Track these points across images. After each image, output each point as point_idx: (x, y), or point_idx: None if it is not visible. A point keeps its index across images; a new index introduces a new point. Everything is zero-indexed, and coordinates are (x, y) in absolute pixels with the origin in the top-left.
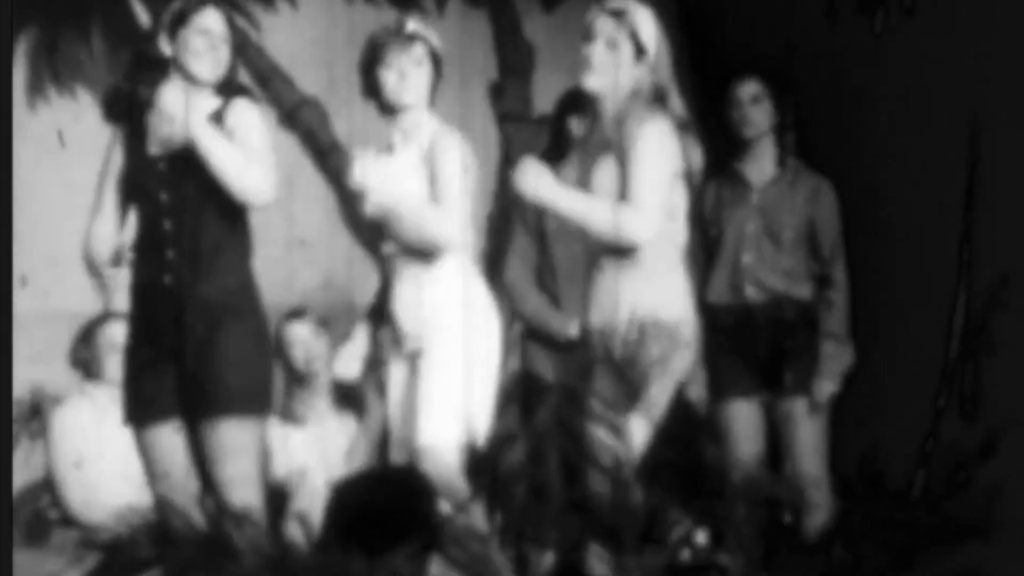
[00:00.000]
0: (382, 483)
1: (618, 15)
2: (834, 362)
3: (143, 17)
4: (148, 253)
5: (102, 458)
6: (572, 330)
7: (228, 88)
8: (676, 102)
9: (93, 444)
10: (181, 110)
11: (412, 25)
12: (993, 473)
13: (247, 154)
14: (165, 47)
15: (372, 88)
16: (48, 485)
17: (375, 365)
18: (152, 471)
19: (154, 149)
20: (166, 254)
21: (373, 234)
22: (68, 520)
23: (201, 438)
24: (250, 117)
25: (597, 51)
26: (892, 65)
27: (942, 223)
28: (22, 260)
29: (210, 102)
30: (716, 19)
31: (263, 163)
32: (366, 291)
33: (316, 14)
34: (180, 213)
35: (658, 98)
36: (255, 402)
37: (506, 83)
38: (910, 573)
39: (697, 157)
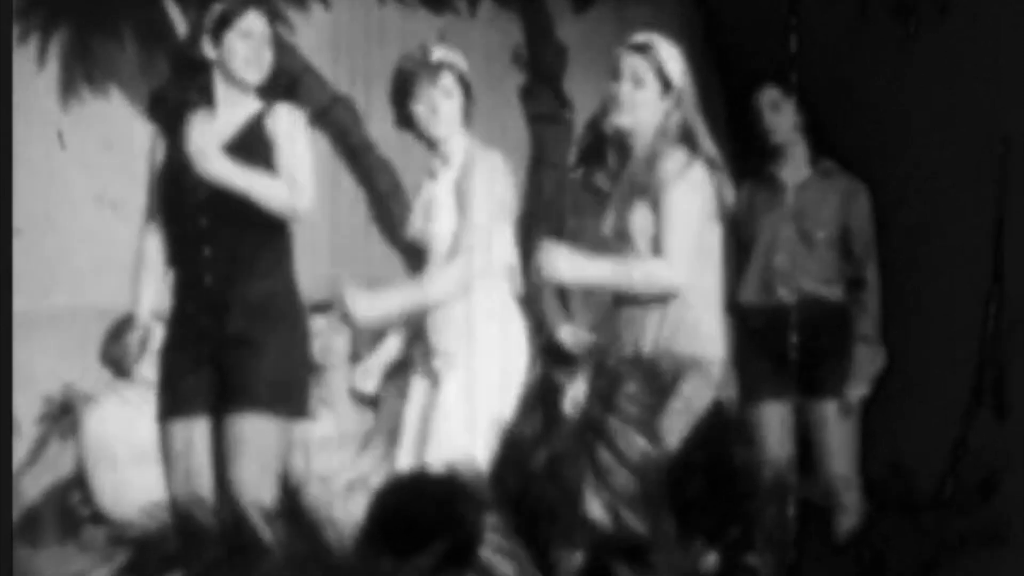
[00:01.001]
0: (423, 488)
1: (643, 50)
2: (866, 365)
3: (176, 17)
4: (186, 252)
5: (133, 456)
6: (570, 338)
7: (270, 90)
8: (706, 141)
9: (124, 442)
10: (198, 150)
11: (438, 53)
12: (1019, 482)
13: (287, 164)
14: (208, 51)
15: (405, 120)
16: (78, 482)
17: (400, 371)
18: (178, 468)
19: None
20: (203, 252)
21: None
22: (98, 517)
23: (225, 434)
24: (291, 125)
25: (624, 88)
26: (924, 67)
27: (974, 226)
28: (56, 257)
29: (251, 105)
30: (744, 24)
31: (301, 174)
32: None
33: (349, 14)
34: (219, 212)
35: (686, 136)
36: (287, 403)
37: (537, 85)
38: None
39: (730, 195)
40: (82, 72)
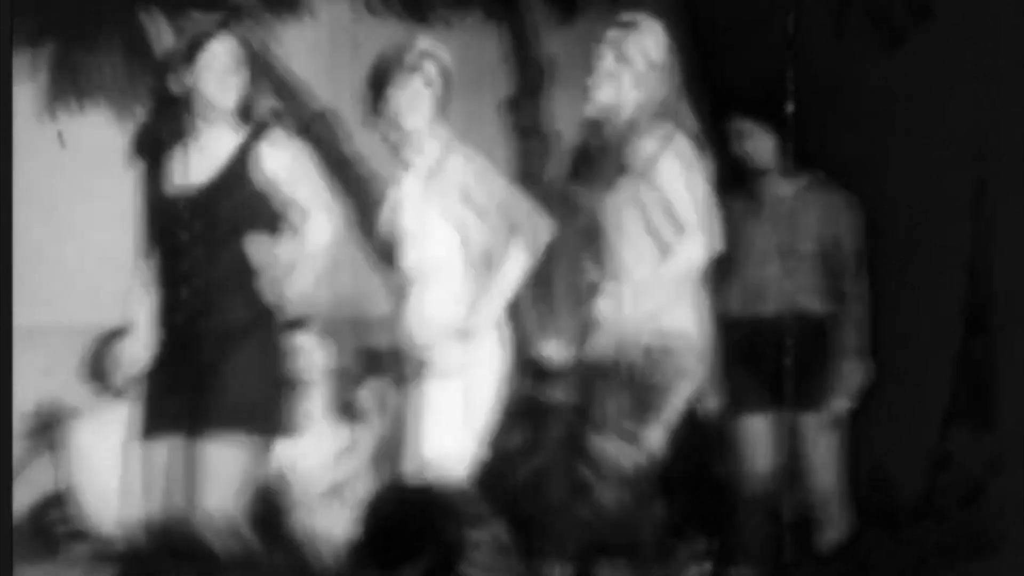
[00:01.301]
0: (402, 499)
1: (627, 26)
2: (850, 378)
3: (156, 34)
4: (166, 289)
5: (117, 472)
6: (554, 354)
7: (249, 114)
8: (689, 118)
9: (107, 457)
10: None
11: (423, 43)
12: (1002, 489)
13: (306, 198)
14: (181, 81)
15: (377, 107)
16: (62, 498)
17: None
18: (154, 486)
19: (170, 189)
20: (180, 293)
21: (387, 250)
22: (81, 534)
23: (196, 455)
24: (287, 158)
25: (606, 64)
26: (902, 77)
27: (955, 237)
28: (34, 273)
29: (231, 136)
30: (724, 33)
31: (318, 205)
32: (375, 304)
33: (334, 26)
34: (197, 252)
35: (666, 111)
36: (261, 421)
37: (520, 97)
38: None
39: (708, 169)
40: (69, 85)
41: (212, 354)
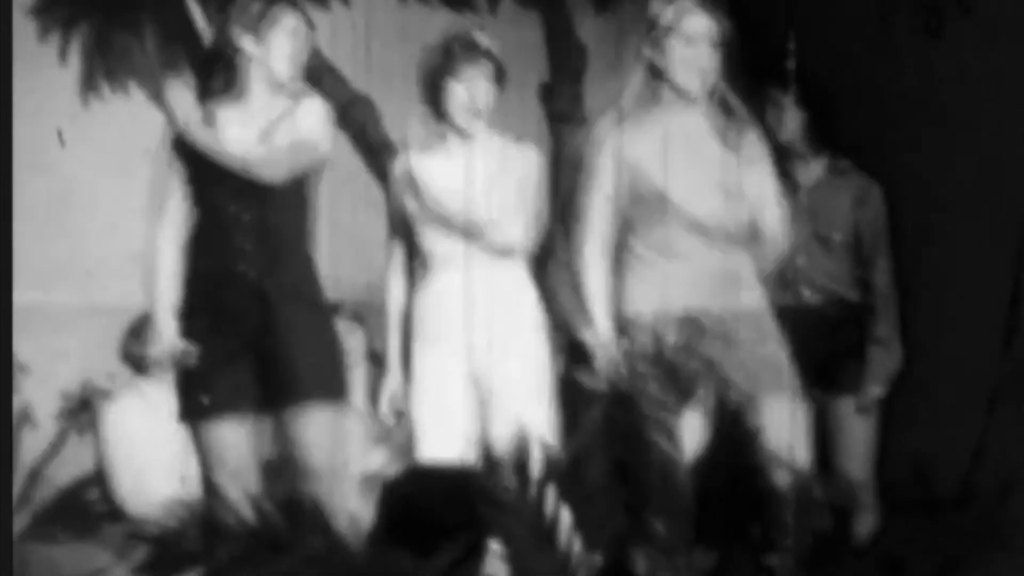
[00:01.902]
0: (432, 480)
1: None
2: (881, 366)
3: (197, 14)
4: (216, 241)
5: (152, 453)
6: (592, 339)
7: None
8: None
9: (144, 439)
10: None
11: (485, 41)
12: None
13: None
14: (248, 45)
15: (435, 96)
16: (97, 478)
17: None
18: (217, 467)
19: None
20: (235, 241)
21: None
22: (116, 514)
23: (285, 429)
24: (316, 121)
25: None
26: (947, 66)
27: (998, 225)
28: (76, 256)
29: (281, 103)
30: (766, 21)
31: (291, 148)
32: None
33: (369, 13)
34: (248, 199)
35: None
36: (337, 390)
37: (557, 84)
38: None
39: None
40: (102, 68)
41: (279, 317)
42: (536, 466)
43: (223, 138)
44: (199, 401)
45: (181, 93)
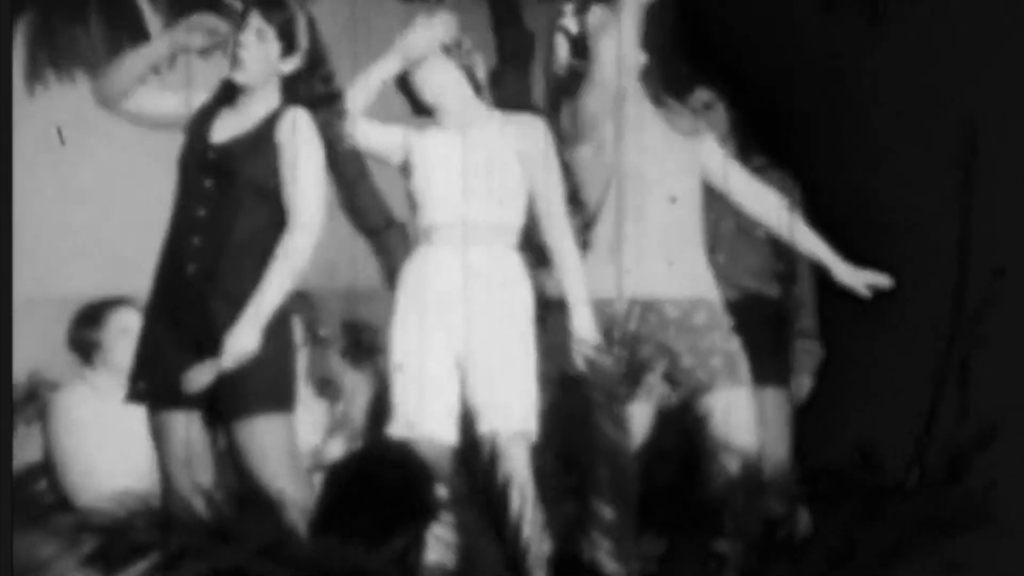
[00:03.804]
0: (378, 465)
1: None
2: (808, 358)
3: (144, 4)
4: (176, 239)
5: (101, 443)
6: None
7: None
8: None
9: (92, 428)
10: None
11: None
12: (988, 465)
13: (294, 174)
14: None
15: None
16: (45, 469)
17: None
18: (167, 455)
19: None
20: (193, 241)
21: (376, 220)
22: (64, 504)
23: (235, 437)
24: (298, 135)
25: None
26: (886, 57)
27: (938, 217)
28: (25, 244)
29: (265, 103)
30: (707, 8)
31: (307, 188)
32: (366, 277)
33: (317, 4)
34: (218, 203)
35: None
36: (283, 400)
37: (505, 70)
38: (904, 563)
39: None
40: (47, 57)
41: (223, 322)
42: (488, 454)
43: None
44: (147, 386)
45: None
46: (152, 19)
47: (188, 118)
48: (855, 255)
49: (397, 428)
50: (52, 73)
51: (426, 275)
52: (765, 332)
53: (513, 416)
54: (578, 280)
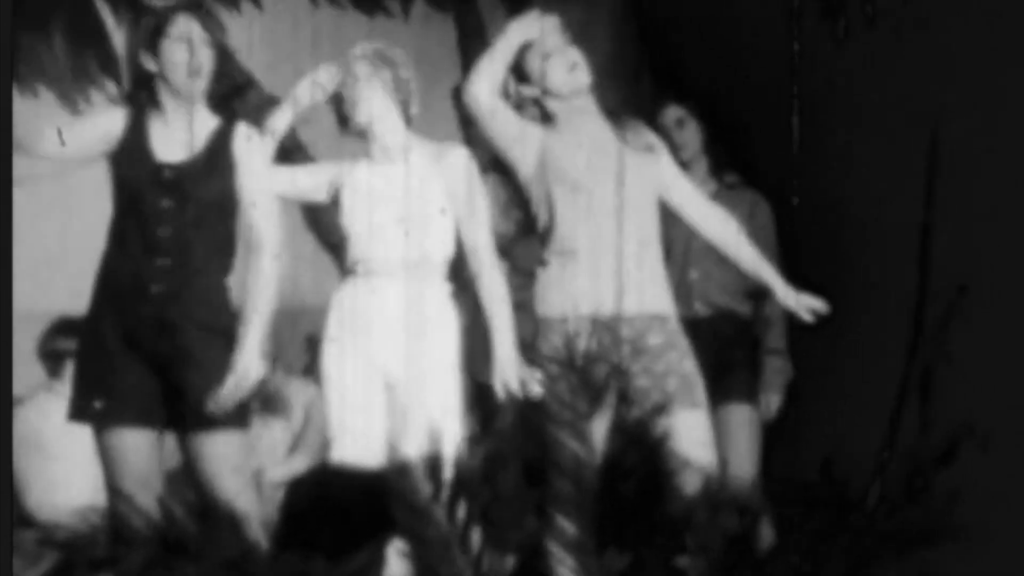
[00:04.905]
0: (338, 481)
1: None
2: (778, 376)
3: (108, 17)
4: (137, 258)
5: (67, 456)
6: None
7: (221, 99)
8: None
9: (58, 441)
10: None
11: (366, 49)
12: (951, 480)
13: (252, 195)
14: (148, 63)
15: (342, 113)
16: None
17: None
18: (122, 474)
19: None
20: (156, 262)
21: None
22: (25, 520)
23: (194, 452)
24: (251, 150)
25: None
26: (851, 74)
27: (900, 232)
28: None
29: (207, 119)
30: (674, 27)
31: (269, 209)
32: (320, 296)
33: (280, 16)
34: (179, 223)
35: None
36: (241, 416)
37: None
38: None
39: None
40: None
41: (183, 340)
42: (447, 469)
43: (149, 147)
44: (93, 405)
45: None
46: (115, 31)
47: (115, 138)
48: (818, 270)
49: (336, 452)
50: (15, 88)
51: (355, 305)
52: (736, 349)
53: (442, 435)
54: (503, 311)
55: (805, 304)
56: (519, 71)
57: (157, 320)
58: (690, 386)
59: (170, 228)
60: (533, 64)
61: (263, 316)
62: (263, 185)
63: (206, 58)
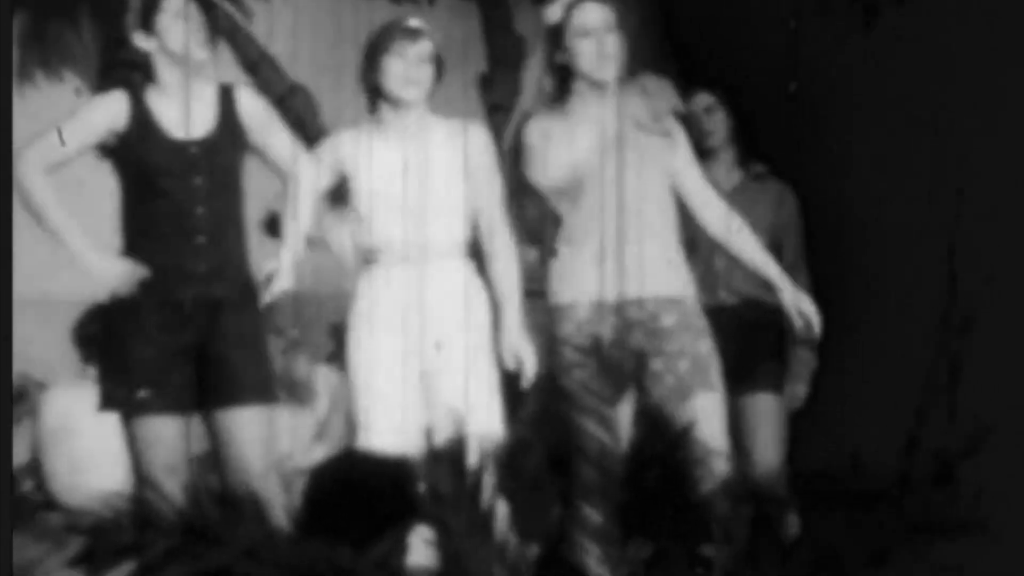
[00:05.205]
0: (362, 467)
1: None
2: (804, 366)
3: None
4: (173, 240)
5: (96, 442)
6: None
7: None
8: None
9: (88, 427)
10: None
11: (415, 21)
12: (975, 471)
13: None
14: (142, 42)
15: (373, 77)
16: (32, 469)
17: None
18: (150, 461)
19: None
20: (195, 240)
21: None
22: (52, 504)
23: (222, 431)
24: (263, 112)
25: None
26: (879, 65)
27: (927, 225)
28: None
29: (206, 90)
30: (694, 21)
31: (285, 137)
32: (343, 282)
33: (307, 4)
34: (214, 199)
35: None
36: (272, 390)
37: (495, 74)
38: (890, 568)
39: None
40: (38, 57)
41: (226, 318)
42: (473, 457)
43: (164, 128)
44: (124, 393)
45: (107, 99)
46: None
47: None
48: (845, 263)
49: (363, 440)
50: (42, 73)
51: (378, 293)
52: (762, 338)
53: (479, 420)
54: (513, 288)
55: (804, 310)
56: (557, 37)
57: (202, 300)
58: (704, 368)
59: (204, 205)
60: (572, 37)
61: (305, 214)
62: (286, 137)
63: (204, 26)
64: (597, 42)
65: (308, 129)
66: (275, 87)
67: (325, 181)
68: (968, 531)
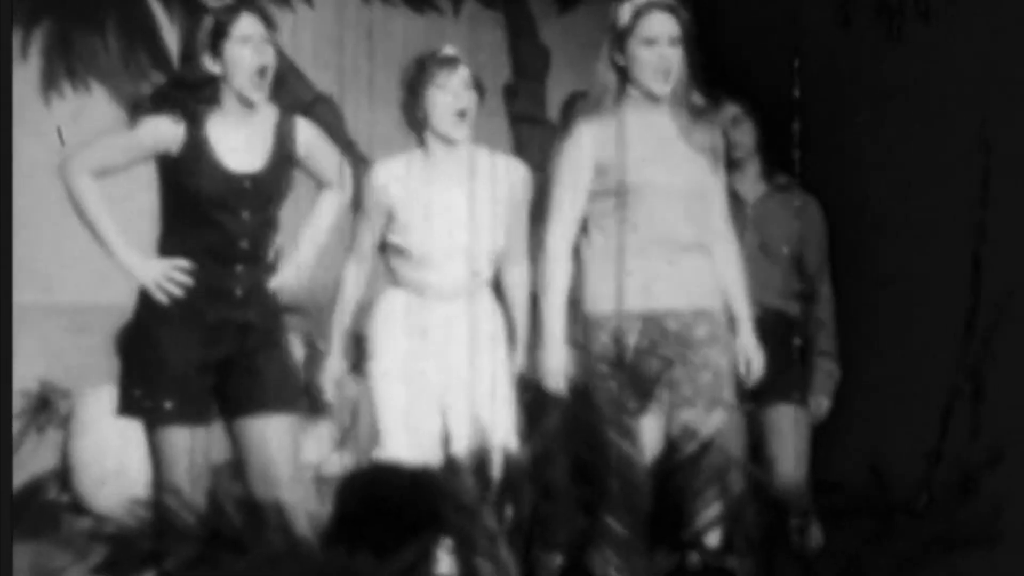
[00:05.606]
0: (387, 477)
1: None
2: (827, 378)
3: (159, 13)
4: (213, 265)
5: (125, 451)
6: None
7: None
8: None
9: (117, 435)
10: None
11: (450, 50)
12: (999, 483)
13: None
14: (210, 65)
15: (418, 112)
16: (57, 477)
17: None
18: (172, 469)
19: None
20: (236, 269)
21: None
22: (79, 509)
23: (248, 440)
24: (317, 141)
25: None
26: (901, 74)
27: (951, 236)
28: (26, 252)
29: (266, 120)
30: (723, 27)
31: (335, 180)
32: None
33: (332, 13)
34: (257, 231)
35: None
36: (298, 399)
37: (520, 85)
38: None
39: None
40: (63, 67)
41: (260, 329)
42: (496, 468)
43: (221, 158)
44: (146, 401)
45: (162, 125)
46: (168, 28)
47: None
48: (869, 274)
49: (384, 449)
50: (68, 82)
51: (405, 311)
52: (785, 350)
53: (499, 431)
54: (523, 303)
55: (750, 355)
56: (621, 40)
57: (240, 322)
58: (719, 385)
59: (248, 238)
60: (634, 44)
61: (325, 227)
62: (335, 162)
63: (270, 57)
64: (659, 55)
65: (334, 139)
66: (300, 97)
67: (374, 238)
68: (992, 543)
